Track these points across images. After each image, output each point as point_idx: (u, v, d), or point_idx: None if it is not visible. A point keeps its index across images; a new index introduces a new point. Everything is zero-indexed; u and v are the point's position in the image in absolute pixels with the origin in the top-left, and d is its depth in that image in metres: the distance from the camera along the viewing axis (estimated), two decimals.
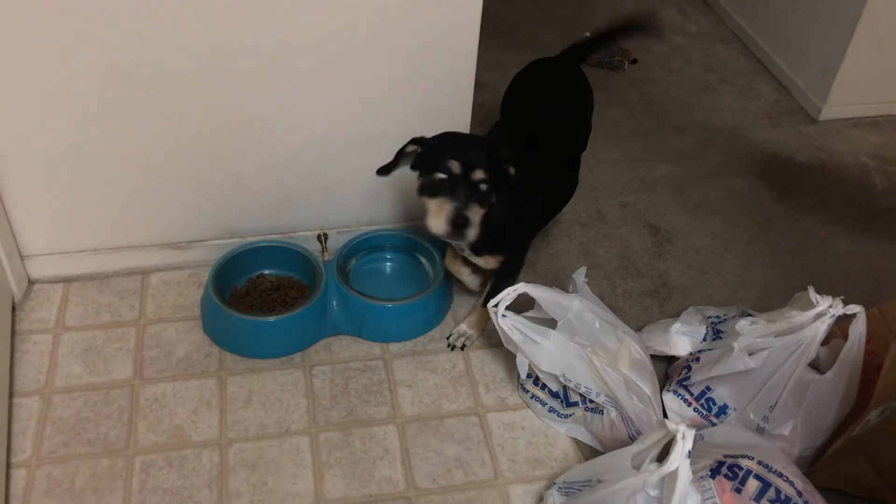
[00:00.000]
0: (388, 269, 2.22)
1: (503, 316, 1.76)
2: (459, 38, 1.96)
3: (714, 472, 1.52)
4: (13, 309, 2.03)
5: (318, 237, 2.21)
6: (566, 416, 1.88)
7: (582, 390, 1.80)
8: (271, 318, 1.97)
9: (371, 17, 1.87)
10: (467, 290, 2.18)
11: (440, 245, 2.16)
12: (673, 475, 1.37)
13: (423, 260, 2.20)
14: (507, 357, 2.04)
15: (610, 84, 3.05)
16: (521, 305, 1.79)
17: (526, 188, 1.84)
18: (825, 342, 1.74)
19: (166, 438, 1.81)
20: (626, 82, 3.06)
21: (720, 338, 1.85)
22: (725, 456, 1.56)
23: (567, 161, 2.09)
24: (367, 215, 2.24)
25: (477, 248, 1.88)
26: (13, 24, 1.71)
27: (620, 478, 1.47)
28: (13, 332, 1.99)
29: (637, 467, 1.47)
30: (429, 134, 1.80)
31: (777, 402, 1.71)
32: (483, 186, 1.67)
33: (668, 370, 1.98)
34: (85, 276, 2.14)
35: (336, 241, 2.19)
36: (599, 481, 1.55)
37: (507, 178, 1.72)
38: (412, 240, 2.20)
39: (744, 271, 2.32)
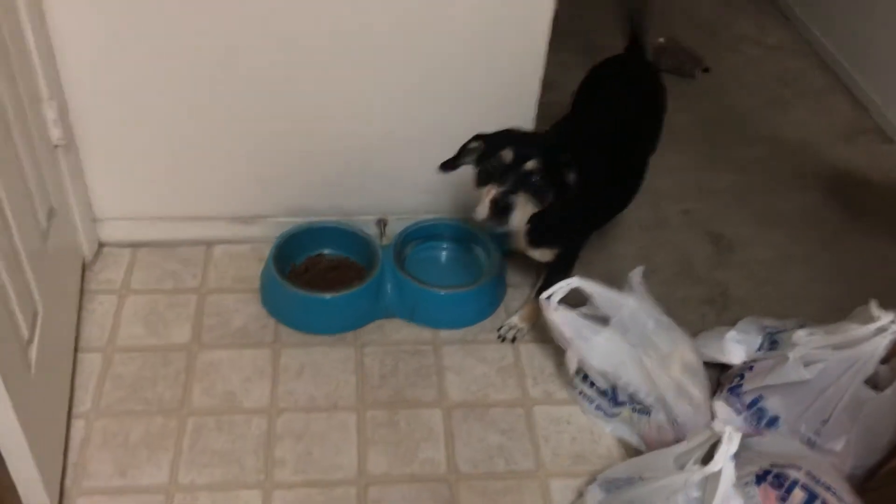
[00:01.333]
0: (443, 258, 2.24)
1: (555, 309, 1.76)
2: (529, 36, 1.97)
3: (760, 479, 1.50)
4: (83, 269, 2.11)
5: (378, 222, 2.24)
6: (613, 415, 1.87)
7: (631, 390, 1.79)
8: (327, 296, 2.01)
9: (443, 11, 1.90)
10: (521, 284, 2.19)
11: (496, 237, 2.17)
12: (715, 476, 1.36)
13: (478, 251, 2.21)
14: (557, 352, 2.03)
15: (680, 91, 3.01)
16: (574, 302, 1.79)
17: (587, 185, 1.84)
18: (885, 360, 1.70)
19: (218, 403, 1.85)
20: (696, 90, 3.03)
21: (776, 348, 1.82)
22: (773, 465, 1.53)
23: (632, 161, 2.08)
24: (426, 205, 2.26)
25: (533, 240, 1.88)
26: None
27: (662, 476, 1.46)
28: (82, 291, 2.06)
29: (681, 468, 1.46)
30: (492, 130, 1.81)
31: (830, 417, 1.68)
32: (535, 178, 1.66)
33: (721, 378, 1.96)
34: (152, 242, 2.21)
35: (395, 228, 2.22)
36: (641, 479, 1.55)
37: (565, 180, 1.71)
38: (469, 231, 2.21)
39: (805, 286, 2.27)
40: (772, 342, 1.85)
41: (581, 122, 2.02)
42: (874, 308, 1.62)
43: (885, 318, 1.59)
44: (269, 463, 1.75)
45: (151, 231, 2.21)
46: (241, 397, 1.87)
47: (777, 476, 1.50)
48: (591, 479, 1.73)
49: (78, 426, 1.78)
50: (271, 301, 2.06)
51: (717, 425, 1.36)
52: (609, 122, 1.99)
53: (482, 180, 1.71)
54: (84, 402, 1.82)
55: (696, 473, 1.37)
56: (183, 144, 2.06)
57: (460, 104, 2.05)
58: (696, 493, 1.43)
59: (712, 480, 1.36)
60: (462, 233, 2.22)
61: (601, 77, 2.15)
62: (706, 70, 3.14)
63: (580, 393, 1.92)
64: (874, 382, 1.71)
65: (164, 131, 2.03)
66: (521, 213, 1.68)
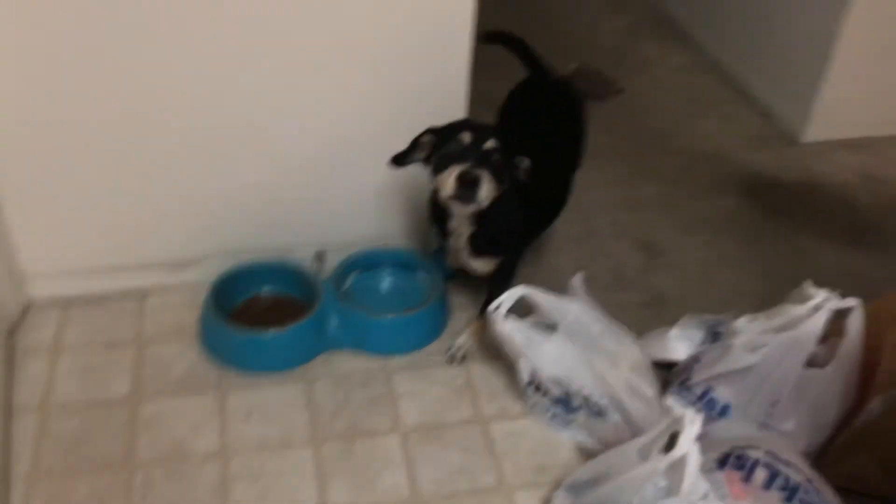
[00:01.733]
0: (385, 286, 2.23)
1: (504, 320, 1.77)
2: (451, 58, 2.02)
3: (722, 464, 1.53)
4: (11, 329, 2.01)
5: (316, 255, 2.22)
6: (569, 422, 1.88)
7: (585, 393, 1.81)
8: (269, 333, 1.97)
9: (363, 32, 1.92)
10: (465, 306, 2.20)
11: (438, 261, 2.18)
12: (681, 462, 1.38)
13: (420, 277, 2.21)
14: (508, 369, 2.04)
15: (597, 112, 3.09)
16: (520, 314, 1.80)
17: (524, 193, 1.87)
18: (822, 340, 1.76)
19: (166, 453, 1.78)
20: (612, 111, 3.12)
21: (719, 339, 1.87)
22: (732, 448, 1.56)
23: (561, 173, 2.13)
24: (365, 233, 2.26)
25: (477, 248, 1.89)
26: (16, 43, 1.75)
27: (627, 470, 1.47)
28: (12, 350, 1.97)
29: (644, 459, 1.47)
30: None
31: (779, 399, 1.72)
32: (496, 157, 1.68)
33: (668, 377, 1.99)
34: (84, 296, 2.13)
35: (333, 260, 2.20)
36: (607, 476, 1.55)
37: (519, 167, 1.74)
38: (410, 256, 2.22)
39: (737, 283, 2.35)
40: (714, 334, 1.90)
41: (509, 136, 2.06)
42: (809, 287, 1.68)
43: (819, 295, 1.66)
44: None
45: (82, 285, 2.13)
46: (190, 445, 1.81)
47: (738, 458, 1.52)
48: (556, 486, 1.72)
49: (18, 491, 1.68)
50: (212, 344, 2.01)
51: (676, 410, 1.38)
52: (535, 135, 2.03)
53: (441, 166, 1.70)
54: (22, 465, 1.73)
55: (662, 461, 1.38)
56: (110, 193, 2.02)
57: (391, 128, 2.06)
58: (663, 482, 1.44)
59: (678, 466, 1.38)
60: (403, 259, 2.22)
61: (520, 97, 2.20)
62: (620, 91, 3.25)
63: (534, 404, 1.92)
64: (815, 363, 1.77)
65: (89, 181, 1.98)
66: (487, 191, 1.67)
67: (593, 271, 2.33)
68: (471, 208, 1.73)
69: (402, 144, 1.81)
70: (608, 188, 2.71)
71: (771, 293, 2.26)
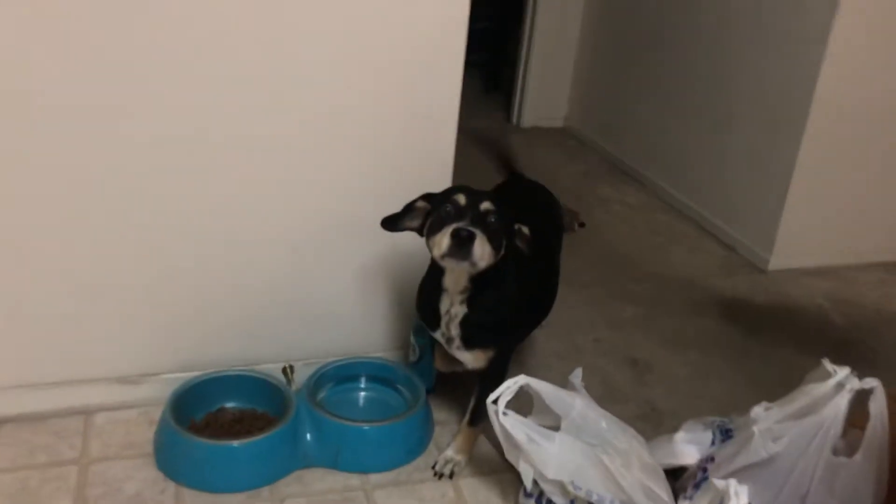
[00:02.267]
0: (361, 399, 2.05)
1: (504, 413, 1.61)
2: (437, 157, 1.98)
3: None
4: None
5: (284, 370, 2.04)
6: None
7: (594, 499, 1.62)
8: (235, 444, 1.76)
9: (338, 126, 1.88)
10: (449, 421, 2.03)
11: (420, 372, 2.03)
12: None
13: (402, 389, 2.04)
14: (501, 483, 1.85)
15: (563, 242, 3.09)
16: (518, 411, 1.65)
17: (519, 275, 1.78)
18: (843, 433, 1.64)
19: None
20: (578, 241, 3.11)
21: (731, 437, 1.73)
22: None
23: (549, 261, 2.06)
24: (337, 346, 2.10)
25: (470, 335, 1.76)
26: None
27: None
28: None
29: None
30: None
31: (808, 493, 1.57)
32: (492, 219, 1.60)
33: (676, 486, 1.82)
34: (18, 417, 1.89)
35: (303, 375, 2.02)
36: None
37: (517, 234, 1.68)
38: (389, 367, 2.06)
39: (730, 396, 2.24)
40: (724, 432, 1.76)
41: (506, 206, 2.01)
42: (827, 364, 1.58)
43: (840, 372, 1.56)
44: None
45: (16, 403, 1.89)
46: None
47: None
48: None
49: None
50: (170, 460, 1.78)
51: (717, 482, 1.23)
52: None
53: (436, 227, 1.62)
54: None
55: None
56: (50, 298, 1.84)
57: (366, 231, 1.97)
58: None
59: None
60: (380, 371, 2.06)
61: (502, 193, 2.17)
62: (582, 225, 3.26)
63: None
64: (840, 453, 1.64)
65: (25, 284, 1.82)
66: (481, 250, 1.57)
67: (584, 383, 2.20)
68: (463, 267, 1.63)
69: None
70: (587, 308, 2.63)
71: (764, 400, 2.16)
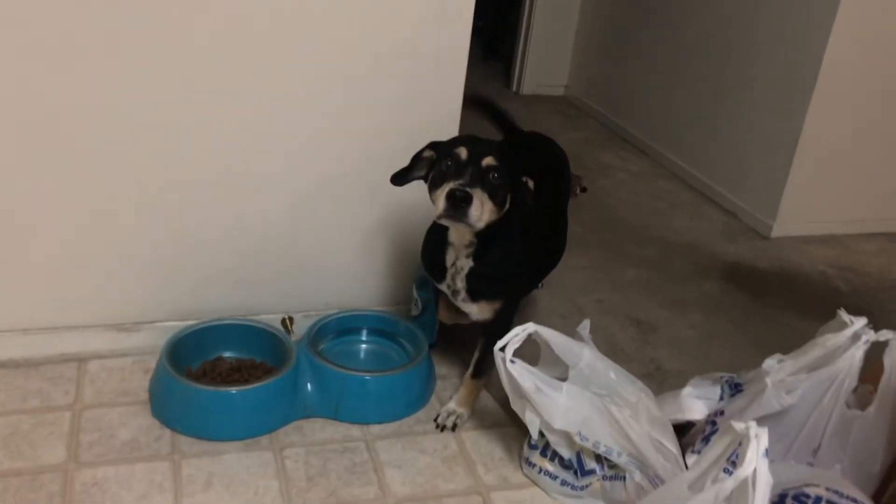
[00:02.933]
0: (362, 352, 2.01)
1: (511, 361, 1.57)
2: (441, 103, 1.93)
3: None
4: None
5: (283, 321, 1.99)
6: (582, 489, 1.65)
7: (601, 450, 1.59)
8: (234, 391, 1.72)
9: (346, 75, 1.83)
10: (451, 375, 1.99)
11: (422, 326, 1.98)
12: (747, 484, 1.17)
13: (404, 343, 2.00)
14: (504, 437, 1.81)
15: None
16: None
17: (525, 227, 1.73)
18: (854, 389, 1.61)
19: None
20: (580, 206, 3.07)
21: (740, 391, 1.70)
22: (785, 489, 1.36)
23: (557, 215, 2.01)
24: (338, 298, 2.06)
25: (476, 287, 1.71)
26: None
27: None
28: None
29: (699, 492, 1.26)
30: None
31: (820, 445, 1.54)
32: (494, 175, 1.54)
33: (683, 442, 1.78)
34: (9, 362, 1.84)
35: (303, 327, 1.97)
36: None
37: (523, 187, 1.62)
38: (391, 321, 2.01)
39: (734, 357, 2.21)
40: (734, 387, 1.73)
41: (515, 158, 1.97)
42: (844, 315, 1.55)
43: (857, 322, 1.52)
44: None
45: (7, 348, 1.84)
46: None
47: (796, 497, 1.32)
48: None
49: None
50: (166, 407, 1.73)
51: (737, 425, 1.19)
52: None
53: (437, 182, 1.57)
54: None
55: (727, 482, 1.17)
56: (47, 245, 1.79)
57: (370, 181, 1.92)
58: None
59: (743, 490, 1.17)
60: (383, 323, 2.01)
61: (509, 147, 2.12)
62: (584, 190, 3.22)
63: (541, 471, 1.68)
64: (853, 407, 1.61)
65: (22, 231, 1.76)
66: (480, 210, 1.52)
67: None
68: (461, 228, 1.58)
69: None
70: (590, 271, 2.60)
71: None
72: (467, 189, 1.50)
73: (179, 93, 1.73)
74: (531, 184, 1.63)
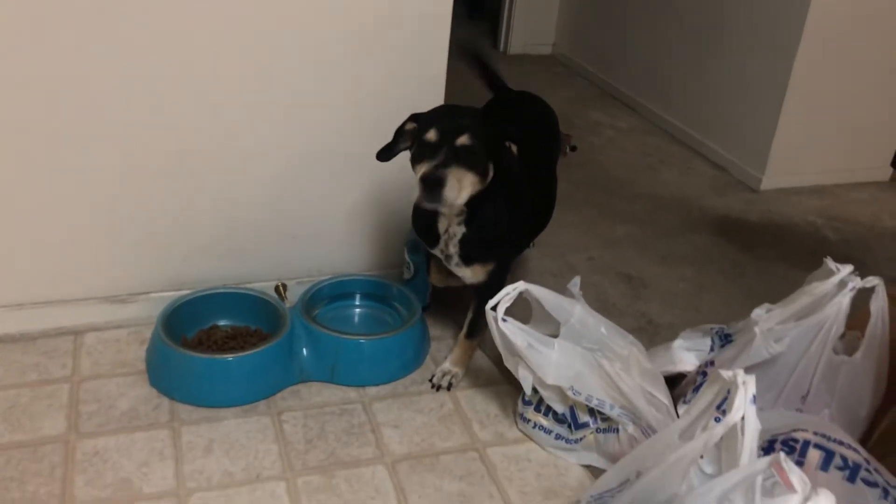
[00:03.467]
0: (356, 317, 2.02)
1: (503, 320, 1.59)
2: (427, 63, 1.92)
3: (767, 451, 1.34)
4: None
5: (277, 288, 2.01)
6: (576, 442, 1.67)
7: (594, 403, 1.61)
8: (230, 357, 1.73)
9: (334, 45, 1.82)
10: (444, 336, 2.01)
11: (415, 289, 2.00)
12: (736, 430, 1.19)
13: (397, 306, 2.01)
14: (499, 395, 1.84)
15: None
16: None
17: (514, 190, 1.74)
18: (841, 336, 1.63)
19: (111, 493, 1.49)
20: (570, 164, 3.07)
21: (731, 341, 1.72)
22: (773, 436, 1.39)
23: (548, 174, 2.02)
24: (330, 264, 2.07)
25: (469, 252, 1.73)
26: None
27: (669, 456, 1.27)
28: None
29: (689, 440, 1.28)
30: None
31: (809, 392, 1.57)
32: (469, 152, 1.54)
33: (675, 394, 1.81)
34: (5, 336, 1.85)
35: (296, 293, 1.98)
36: (640, 474, 1.34)
37: (506, 153, 1.62)
38: (384, 285, 2.02)
39: (725, 309, 2.23)
40: (724, 337, 1.75)
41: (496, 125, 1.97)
42: (830, 263, 1.57)
43: (843, 269, 1.54)
44: None
45: (4, 324, 1.85)
46: (140, 483, 1.52)
47: (785, 442, 1.35)
48: (575, 502, 1.50)
49: None
50: (163, 376, 1.75)
51: (724, 373, 1.21)
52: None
53: (417, 159, 1.57)
54: None
55: (717, 429, 1.19)
56: (40, 217, 1.79)
57: (357, 138, 1.92)
58: (710, 468, 1.25)
59: (732, 437, 1.19)
60: (376, 288, 2.03)
61: (496, 109, 2.12)
62: (574, 149, 3.22)
63: (535, 426, 1.71)
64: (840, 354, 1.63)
65: (14, 204, 1.76)
66: (457, 189, 1.53)
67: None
68: (439, 209, 1.61)
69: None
70: (580, 229, 2.61)
71: None
72: (440, 172, 1.51)
73: (167, 66, 1.72)
74: (514, 149, 1.63)
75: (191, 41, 1.72)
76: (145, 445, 1.61)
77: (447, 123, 1.56)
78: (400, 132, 1.64)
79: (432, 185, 1.50)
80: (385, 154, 1.66)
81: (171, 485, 1.52)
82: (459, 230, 1.71)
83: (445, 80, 1.96)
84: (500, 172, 1.64)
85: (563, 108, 3.62)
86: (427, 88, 1.93)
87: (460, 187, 1.53)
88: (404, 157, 1.76)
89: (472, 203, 1.64)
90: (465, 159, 1.54)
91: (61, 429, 1.62)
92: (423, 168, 1.52)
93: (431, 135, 1.55)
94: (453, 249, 1.74)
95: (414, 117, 1.64)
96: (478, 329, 1.85)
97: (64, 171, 1.76)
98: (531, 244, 2.27)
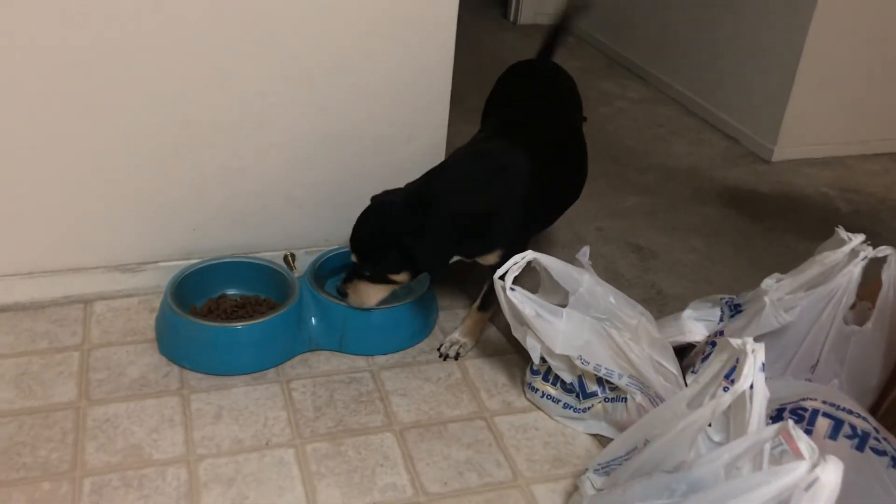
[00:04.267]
0: None
1: (512, 289, 1.58)
2: (435, 35, 1.90)
3: (775, 420, 1.34)
4: None
5: (285, 257, 2.01)
6: (583, 411, 1.68)
7: (602, 373, 1.61)
8: (239, 326, 1.74)
9: (343, 18, 1.80)
10: (454, 307, 2.01)
11: None
12: (744, 399, 1.19)
13: None
14: (507, 364, 1.84)
15: None
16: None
17: (518, 181, 1.74)
18: (852, 306, 1.62)
19: (121, 458, 1.51)
20: None
21: (740, 311, 1.71)
22: (782, 405, 1.38)
23: (574, 146, 2.01)
24: (339, 234, 2.05)
25: (469, 252, 1.76)
26: None
27: (676, 424, 1.27)
28: None
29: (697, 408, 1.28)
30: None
31: (818, 361, 1.56)
32: (366, 269, 1.71)
33: (683, 364, 1.81)
34: (15, 305, 1.86)
35: (305, 263, 1.98)
36: (647, 442, 1.34)
37: (411, 252, 1.67)
38: None
39: (735, 281, 2.22)
40: (733, 307, 1.75)
41: (504, 120, 1.95)
42: (842, 232, 1.55)
43: (855, 239, 1.53)
44: None
45: (13, 292, 1.86)
46: (150, 449, 1.53)
47: (794, 411, 1.35)
48: (583, 471, 1.50)
49: None
50: (173, 344, 1.76)
51: (733, 341, 1.20)
52: (534, 117, 1.93)
53: None
54: None
55: (724, 397, 1.19)
56: (49, 187, 1.79)
57: (366, 110, 1.91)
58: (718, 436, 1.25)
59: (741, 404, 1.19)
60: None
61: (513, 79, 2.11)
62: (584, 119, 3.18)
63: (543, 396, 1.71)
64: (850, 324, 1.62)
65: (25, 174, 1.76)
66: (360, 298, 1.74)
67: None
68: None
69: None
70: (589, 200, 2.57)
71: None
72: (343, 286, 1.75)
73: (177, 35, 1.71)
74: (410, 241, 1.65)
75: (200, 11, 1.70)
76: (155, 412, 1.62)
77: (351, 241, 1.72)
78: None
79: (341, 294, 1.75)
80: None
81: (180, 451, 1.53)
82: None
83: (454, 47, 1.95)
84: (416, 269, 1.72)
85: (573, 78, 3.60)
86: (435, 59, 1.91)
87: (365, 297, 1.73)
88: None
89: (457, 219, 1.69)
90: (363, 276, 1.72)
91: (72, 396, 1.64)
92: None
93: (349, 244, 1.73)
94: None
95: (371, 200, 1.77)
96: (491, 301, 1.84)
97: (73, 140, 1.76)
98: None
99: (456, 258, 1.77)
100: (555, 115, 2.00)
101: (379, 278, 1.71)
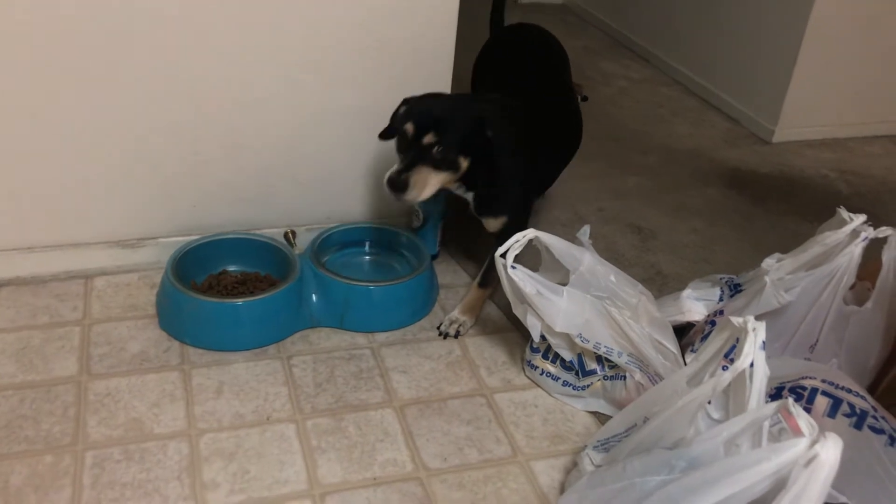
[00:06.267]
0: (365, 264, 2.02)
1: (513, 267, 1.59)
2: (436, 23, 1.90)
3: (775, 398, 1.34)
4: None
5: (286, 235, 2.01)
6: (583, 389, 1.68)
7: (602, 351, 1.61)
8: (239, 302, 1.74)
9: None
10: (454, 285, 2.01)
11: (424, 238, 2.00)
12: (744, 377, 1.19)
13: (406, 254, 2.01)
14: (507, 342, 1.85)
15: None
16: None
17: (519, 146, 1.74)
18: (851, 286, 1.63)
19: (123, 432, 1.51)
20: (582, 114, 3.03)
21: (740, 291, 1.72)
22: (781, 383, 1.39)
23: (561, 110, 2.01)
24: (340, 211, 2.06)
25: (479, 208, 1.77)
26: None
27: (677, 402, 1.28)
28: None
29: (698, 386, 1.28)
30: None
31: (818, 341, 1.57)
32: (436, 150, 1.59)
33: (683, 343, 1.81)
34: (16, 280, 1.86)
35: (305, 240, 1.98)
36: (647, 419, 1.35)
37: (485, 142, 1.62)
38: (393, 232, 2.02)
39: (735, 261, 2.22)
40: (733, 287, 1.75)
41: (495, 85, 1.95)
42: (843, 212, 1.55)
43: (856, 219, 1.53)
44: (197, 488, 1.42)
45: (14, 266, 1.86)
46: (151, 423, 1.54)
47: (792, 390, 1.35)
48: (582, 448, 1.51)
49: None
50: (173, 319, 1.76)
51: (734, 319, 1.21)
52: (524, 79, 1.94)
53: (397, 148, 1.65)
54: None
55: (725, 375, 1.19)
56: (49, 161, 1.78)
57: (367, 86, 1.90)
58: (717, 414, 1.26)
59: (741, 382, 1.19)
60: (385, 235, 2.03)
61: (502, 46, 2.12)
62: (584, 99, 3.18)
63: (542, 373, 1.72)
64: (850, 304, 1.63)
65: (24, 148, 1.75)
66: (420, 189, 1.59)
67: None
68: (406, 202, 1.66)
69: (377, 113, 1.75)
70: (590, 180, 2.59)
71: None
72: (403, 178, 1.58)
73: (179, 12, 1.69)
74: (490, 133, 1.63)
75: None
76: (156, 387, 1.62)
77: (421, 119, 1.59)
78: (395, 116, 1.69)
79: (398, 188, 1.58)
80: (385, 136, 1.73)
81: (182, 425, 1.54)
82: (468, 194, 1.77)
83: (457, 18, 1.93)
84: (476, 162, 1.65)
85: (575, 58, 3.56)
86: (437, 38, 1.90)
87: (424, 186, 1.59)
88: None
89: (465, 176, 1.67)
90: (430, 159, 1.59)
91: (73, 370, 1.64)
92: (394, 167, 1.59)
93: (409, 127, 1.60)
94: (470, 199, 1.78)
95: (405, 102, 1.68)
96: (492, 278, 1.84)
97: (75, 116, 1.75)
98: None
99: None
100: (550, 74, 2.01)
101: (447, 161, 1.61)
